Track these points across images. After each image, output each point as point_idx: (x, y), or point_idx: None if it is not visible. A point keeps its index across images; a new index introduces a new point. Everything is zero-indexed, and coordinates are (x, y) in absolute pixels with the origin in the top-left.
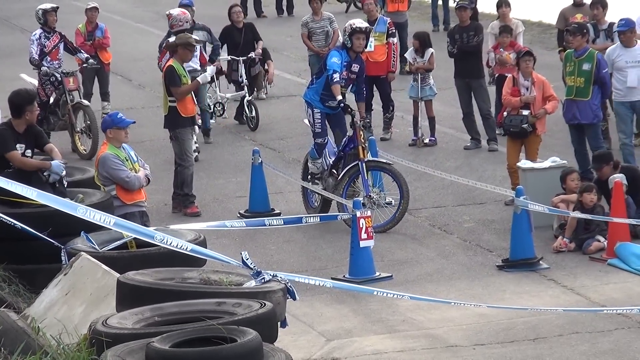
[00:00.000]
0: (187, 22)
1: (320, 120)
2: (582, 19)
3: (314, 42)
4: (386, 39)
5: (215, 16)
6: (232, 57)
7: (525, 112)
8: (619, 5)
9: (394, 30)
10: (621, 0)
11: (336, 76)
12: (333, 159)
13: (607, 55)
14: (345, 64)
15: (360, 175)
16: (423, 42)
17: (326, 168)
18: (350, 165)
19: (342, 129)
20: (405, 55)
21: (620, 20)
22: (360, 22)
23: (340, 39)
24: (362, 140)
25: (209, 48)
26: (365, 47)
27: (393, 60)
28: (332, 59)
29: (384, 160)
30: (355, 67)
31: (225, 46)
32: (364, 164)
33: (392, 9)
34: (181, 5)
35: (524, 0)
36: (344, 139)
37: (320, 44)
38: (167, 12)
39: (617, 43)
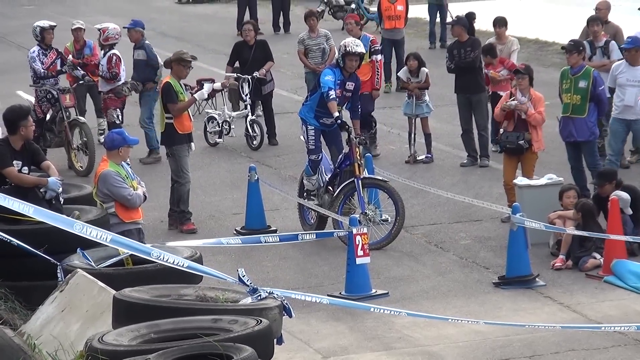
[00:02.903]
0: (119, 36)
1: (314, 137)
2: (603, 36)
3: (310, 59)
4: (369, 57)
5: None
6: (238, 74)
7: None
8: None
9: (377, 47)
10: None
11: (332, 93)
12: (329, 175)
13: (611, 71)
14: (338, 82)
15: (356, 193)
16: (419, 62)
17: (322, 185)
18: (346, 182)
19: (338, 146)
20: (398, 74)
21: (628, 37)
22: (354, 45)
23: (337, 56)
24: (358, 157)
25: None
26: (358, 68)
27: (377, 78)
28: (325, 77)
29: (380, 178)
30: (350, 85)
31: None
32: (359, 181)
33: (389, 26)
34: (133, 24)
35: (521, 18)
36: (340, 156)
37: (316, 61)
38: (101, 27)
39: (618, 60)
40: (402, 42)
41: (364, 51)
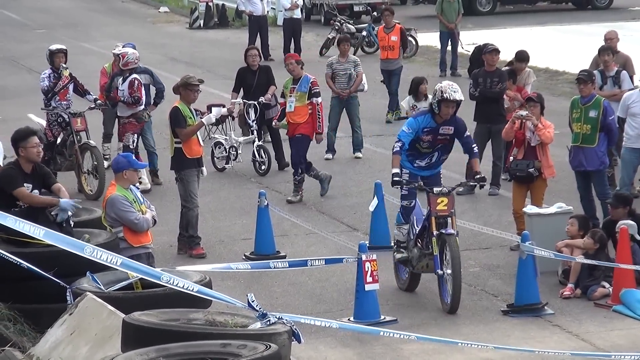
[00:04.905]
0: (138, 61)
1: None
2: (614, 65)
3: (337, 84)
4: (308, 99)
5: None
6: (244, 100)
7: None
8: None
9: (317, 90)
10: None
11: (397, 145)
12: (420, 227)
13: (623, 100)
14: (427, 129)
15: (447, 246)
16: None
17: (412, 237)
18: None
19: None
20: (402, 103)
21: None
22: (452, 91)
23: (431, 100)
24: (442, 209)
25: (152, 90)
26: (454, 114)
27: (318, 122)
28: (403, 127)
29: (452, 232)
30: (446, 130)
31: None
32: (433, 238)
33: (383, 56)
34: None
35: (531, 47)
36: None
37: (342, 86)
38: (120, 52)
39: (631, 89)
40: (397, 72)
41: (462, 98)
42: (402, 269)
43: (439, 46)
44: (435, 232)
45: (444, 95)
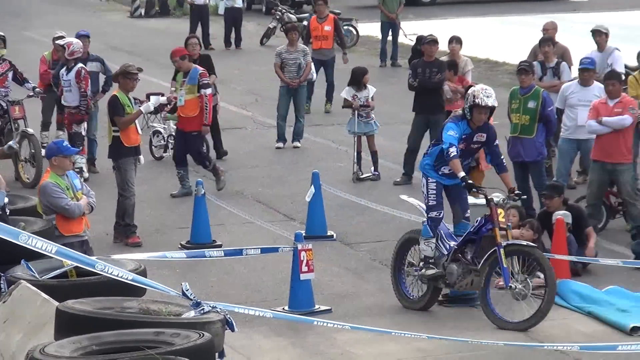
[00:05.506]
0: (83, 50)
1: (435, 191)
2: (553, 57)
3: (286, 73)
4: (198, 91)
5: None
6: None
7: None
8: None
9: (207, 82)
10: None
11: (452, 150)
12: (451, 242)
13: (562, 91)
14: (464, 136)
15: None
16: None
17: (446, 252)
18: (488, 253)
19: (463, 205)
20: (342, 94)
21: (586, 58)
22: (485, 96)
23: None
24: (501, 221)
25: (102, 78)
26: (488, 120)
27: (206, 113)
28: (448, 131)
29: (525, 243)
30: (480, 137)
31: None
32: (501, 250)
33: (316, 46)
34: (80, 36)
35: (473, 37)
36: (479, 219)
37: (292, 76)
38: (65, 42)
39: (569, 80)
40: (331, 62)
41: (496, 104)
42: (407, 287)
43: (379, 36)
44: (502, 243)
45: (476, 100)
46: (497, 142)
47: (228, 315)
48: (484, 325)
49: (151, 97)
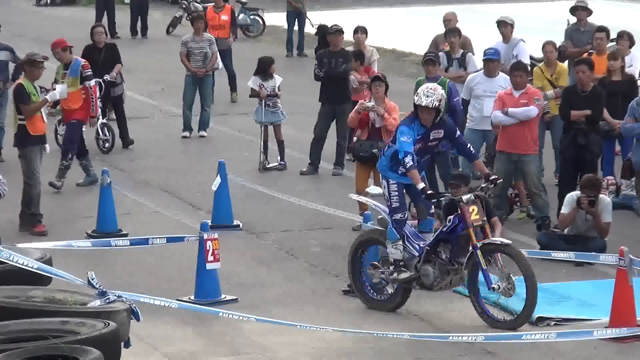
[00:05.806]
0: None
1: (397, 193)
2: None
3: (192, 62)
4: (81, 83)
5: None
6: None
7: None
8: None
9: (89, 73)
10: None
11: (408, 160)
12: (420, 242)
13: (467, 82)
14: (419, 136)
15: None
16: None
17: (416, 253)
18: (468, 255)
19: (427, 204)
20: (248, 84)
21: (490, 49)
22: (424, 95)
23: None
24: (475, 218)
25: (11, 67)
26: (434, 121)
27: (92, 105)
28: (401, 137)
29: (502, 241)
30: (437, 133)
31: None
32: (478, 252)
33: (214, 35)
34: None
35: (379, 28)
36: (451, 218)
37: (198, 65)
38: None
39: (475, 71)
40: (229, 52)
41: (433, 105)
42: (370, 289)
43: (286, 26)
44: (478, 244)
45: (414, 98)
46: (458, 133)
47: (133, 305)
48: (391, 314)
49: (57, 85)
